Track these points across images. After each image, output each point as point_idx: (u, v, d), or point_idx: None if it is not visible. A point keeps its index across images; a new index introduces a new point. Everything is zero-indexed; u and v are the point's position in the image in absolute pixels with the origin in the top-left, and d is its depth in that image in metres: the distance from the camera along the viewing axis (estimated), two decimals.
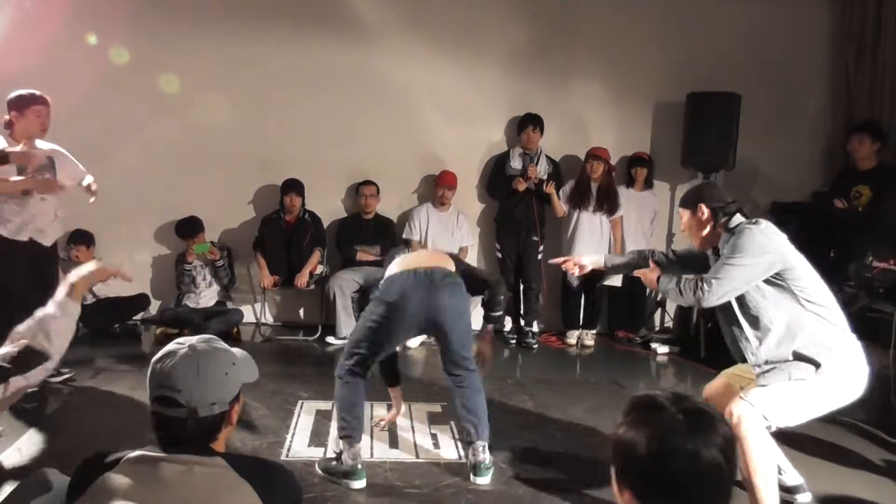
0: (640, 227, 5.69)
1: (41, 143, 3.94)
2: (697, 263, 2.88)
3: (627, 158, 5.78)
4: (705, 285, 2.53)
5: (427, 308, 2.97)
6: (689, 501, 1.10)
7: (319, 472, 3.04)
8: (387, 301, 2.99)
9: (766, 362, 2.58)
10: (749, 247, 2.51)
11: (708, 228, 2.74)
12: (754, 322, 2.59)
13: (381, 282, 3.14)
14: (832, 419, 4.03)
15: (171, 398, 1.41)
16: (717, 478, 1.10)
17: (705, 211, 2.72)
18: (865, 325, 4.26)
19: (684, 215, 2.82)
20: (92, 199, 4.15)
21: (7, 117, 3.80)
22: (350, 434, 2.98)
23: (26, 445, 3.21)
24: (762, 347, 2.58)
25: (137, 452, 1.42)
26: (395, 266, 3.14)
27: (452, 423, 3.70)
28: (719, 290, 2.52)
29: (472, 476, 3.02)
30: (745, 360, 2.72)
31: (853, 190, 4.87)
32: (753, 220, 2.64)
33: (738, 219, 2.68)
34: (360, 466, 2.94)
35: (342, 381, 3.05)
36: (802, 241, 5.99)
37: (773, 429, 2.56)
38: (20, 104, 3.78)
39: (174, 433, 1.43)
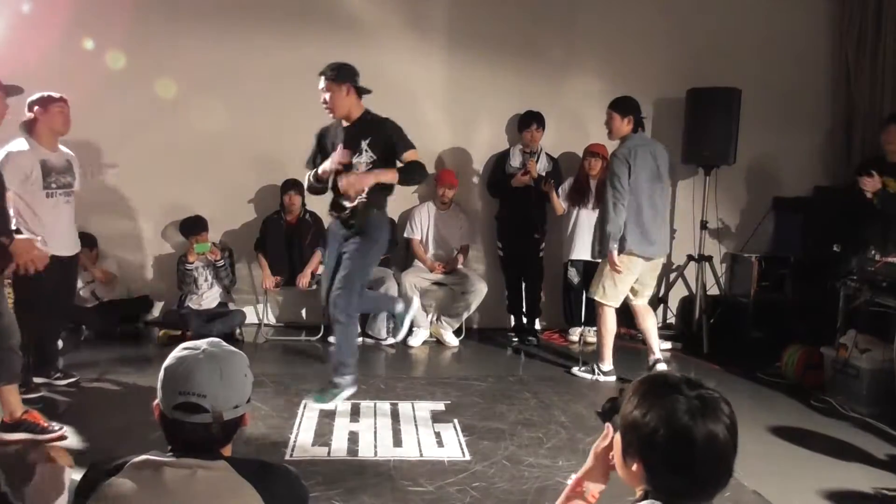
0: None
1: (61, 147, 4.01)
2: None
3: None
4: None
5: None
6: (699, 476, 1.20)
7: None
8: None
9: None
10: None
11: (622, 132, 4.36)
12: None
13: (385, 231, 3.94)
14: (836, 413, 4.04)
15: (195, 404, 1.39)
16: (726, 455, 1.20)
17: (631, 122, 4.35)
18: (868, 320, 4.27)
19: (614, 118, 4.38)
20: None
21: (30, 114, 3.84)
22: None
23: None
24: None
25: (142, 457, 1.41)
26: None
27: (456, 420, 3.72)
28: None
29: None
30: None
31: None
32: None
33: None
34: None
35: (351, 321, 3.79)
36: (805, 236, 6.00)
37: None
38: (43, 102, 3.85)
39: (193, 439, 1.41)
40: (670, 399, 1.20)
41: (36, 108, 3.85)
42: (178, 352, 1.45)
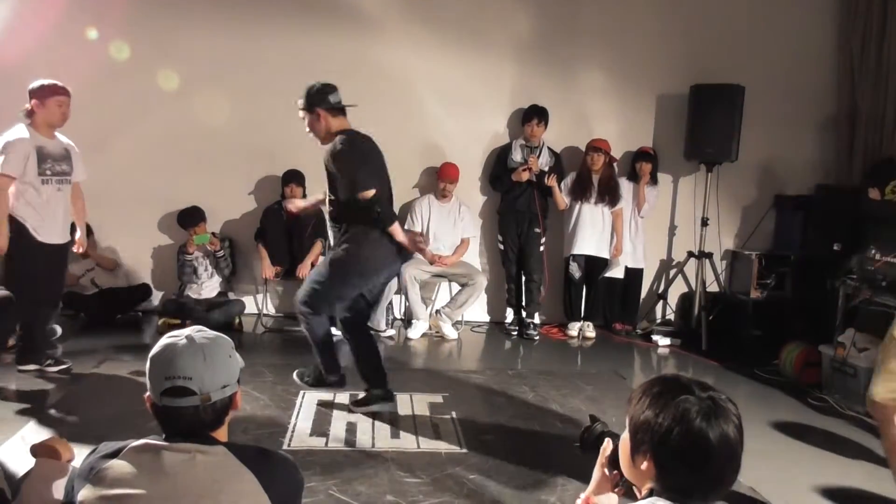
0: (637, 219, 5.68)
1: (59, 135, 3.99)
2: None
3: (633, 153, 5.74)
4: None
5: None
6: (712, 473, 1.24)
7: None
8: None
9: None
10: None
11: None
12: None
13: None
14: (833, 411, 4.05)
15: (182, 387, 1.41)
16: (736, 454, 1.24)
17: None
18: (867, 319, 4.27)
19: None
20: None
21: (28, 106, 3.83)
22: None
23: (29, 434, 3.22)
24: None
25: (141, 441, 1.43)
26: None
27: (453, 412, 3.72)
28: None
29: None
30: None
31: (891, 182, 4.77)
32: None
33: None
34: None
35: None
36: (806, 234, 5.98)
37: None
38: (42, 93, 3.81)
39: (185, 423, 1.43)
40: (683, 400, 1.24)
41: (33, 100, 3.81)
42: (161, 341, 1.48)
